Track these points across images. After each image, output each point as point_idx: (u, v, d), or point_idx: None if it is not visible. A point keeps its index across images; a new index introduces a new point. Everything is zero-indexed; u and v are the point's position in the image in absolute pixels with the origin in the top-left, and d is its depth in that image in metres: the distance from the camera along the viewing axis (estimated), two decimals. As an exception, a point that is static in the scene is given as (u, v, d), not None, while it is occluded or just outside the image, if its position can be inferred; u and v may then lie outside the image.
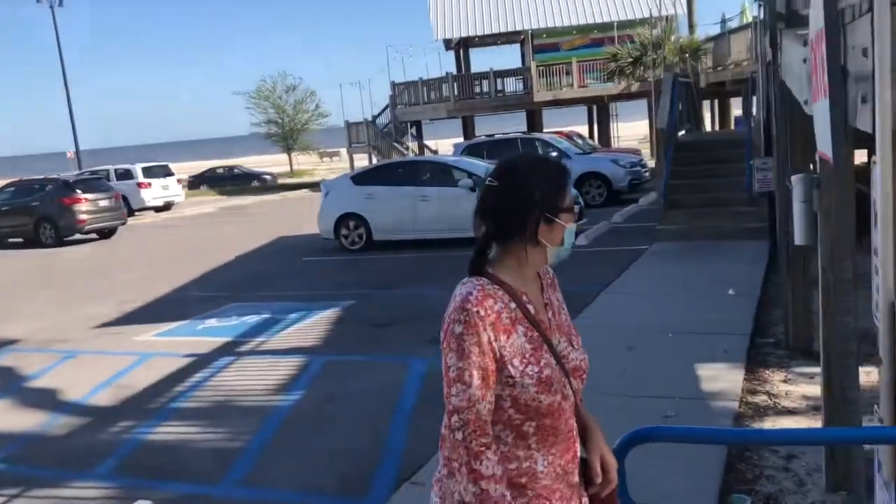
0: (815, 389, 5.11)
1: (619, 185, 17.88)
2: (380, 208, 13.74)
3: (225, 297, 10.71)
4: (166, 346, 8.29)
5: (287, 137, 44.59)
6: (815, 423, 4.75)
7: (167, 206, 27.27)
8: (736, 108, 28.80)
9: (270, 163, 52.46)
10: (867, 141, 2.53)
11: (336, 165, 53.17)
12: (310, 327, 8.61)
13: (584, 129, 35.57)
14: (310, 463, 4.90)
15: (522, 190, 1.91)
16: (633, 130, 42.27)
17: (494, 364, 1.83)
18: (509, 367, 1.84)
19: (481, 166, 13.88)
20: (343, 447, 5.10)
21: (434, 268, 11.56)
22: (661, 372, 5.88)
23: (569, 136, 21.57)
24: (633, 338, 6.82)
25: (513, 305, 1.89)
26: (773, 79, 5.94)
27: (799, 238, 3.90)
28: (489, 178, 1.98)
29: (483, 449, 1.79)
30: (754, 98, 12.63)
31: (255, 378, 6.92)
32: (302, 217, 21.63)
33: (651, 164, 23.12)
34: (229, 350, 7.91)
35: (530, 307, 1.93)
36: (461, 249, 12.55)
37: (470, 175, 13.27)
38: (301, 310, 9.47)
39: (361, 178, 14.36)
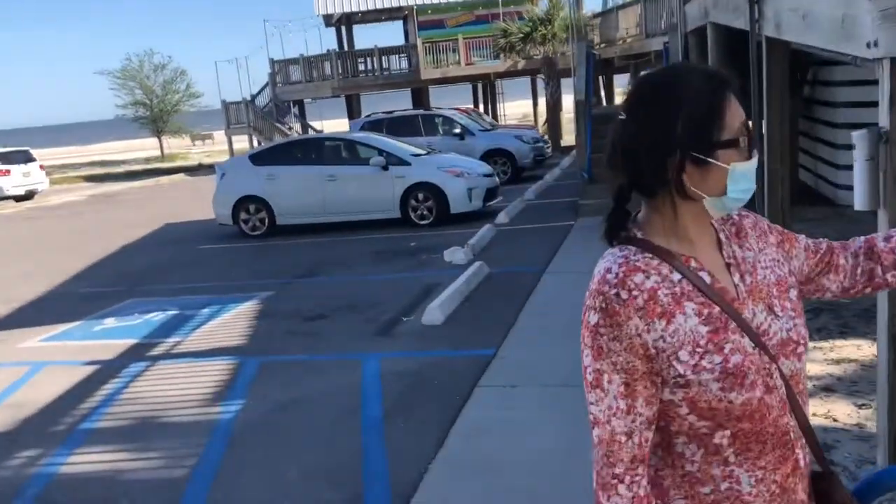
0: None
1: (523, 161, 17.55)
2: (283, 190, 12.74)
3: (119, 292, 9.50)
4: (60, 353, 7.13)
5: (156, 120, 41.89)
6: None
7: (30, 195, 24.81)
8: (619, 85, 29.29)
9: (138, 147, 49.33)
10: None
11: (210, 149, 50.62)
12: (229, 323, 7.65)
13: (469, 106, 35.32)
14: (280, 493, 4.09)
15: (657, 121, 1.34)
16: (517, 109, 42.43)
17: (647, 363, 1.31)
18: (674, 363, 1.31)
19: (391, 143, 13.12)
20: (313, 470, 4.31)
21: (353, 252, 10.76)
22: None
23: (468, 113, 21.06)
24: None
25: (676, 277, 1.34)
26: (752, 37, 5.58)
27: (861, 203, 3.46)
28: (620, 111, 1.42)
29: (614, 482, 1.32)
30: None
31: (180, 387, 5.95)
32: (184, 202, 20.15)
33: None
34: (139, 354, 6.86)
35: (703, 275, 1.36)
36: (378, 231, 11.89)
37: (381, 152, 12.50)
38: (213, 304, 8.47)
39: (261, 158, 13.27)
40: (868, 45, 3.30)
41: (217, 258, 11.53)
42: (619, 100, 28.19)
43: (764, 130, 5.67)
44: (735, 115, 1.34)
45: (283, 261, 10.74)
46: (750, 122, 1.37)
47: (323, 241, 11.96)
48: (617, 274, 1.32)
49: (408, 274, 9.08)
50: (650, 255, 1.35)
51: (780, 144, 5.66)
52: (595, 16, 25.69)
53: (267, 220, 12.83)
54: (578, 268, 8.36)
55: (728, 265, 1.40)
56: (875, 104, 3.33)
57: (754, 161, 1.35)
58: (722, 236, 1.43)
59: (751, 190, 1.35)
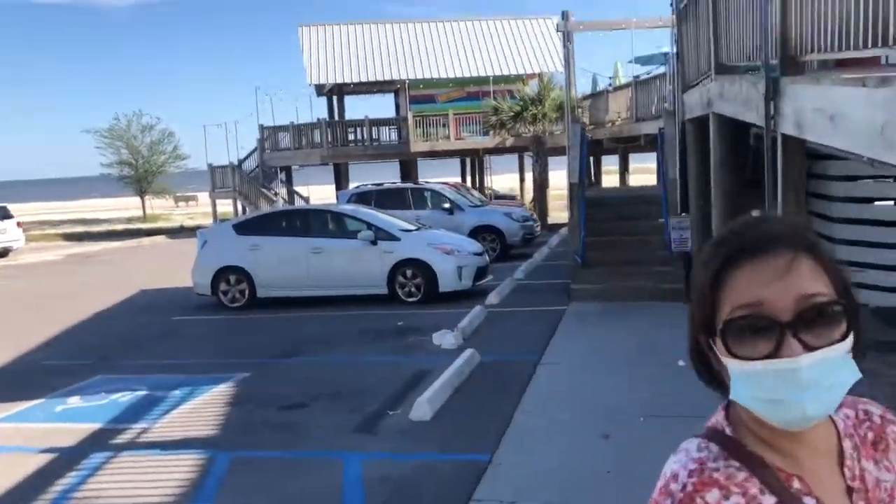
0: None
1: (512, 239, 17.31)
2: (266, 261, 12.34)
3: (87, 366, 8.96)
4: (15, 437, 6.57)
5: (141, 180, 41.63)
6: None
7: (4, 253, 24.21)
8: (606, 165, 29.46)
9: (121, 206, 48.88)
10: None
11: (194, 210, 50.29)
12: (201, 409, 7.13)
13: (458, 181, 35.37)
14: None
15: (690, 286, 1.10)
16: (503, 183, 42.59)
17: None
18: None
19: (381, 217, 12.83)
20: None
21: (337, 330, 10.30)
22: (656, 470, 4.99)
23: (457, 188, 20.92)
24: (601, 423, 5.93)
25: (768, 501, 0.97)
26: (767, 133, 5.36)
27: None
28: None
29: None
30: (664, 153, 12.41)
31: (143, 485, 5.41)
32: (163, 266, 19.66)
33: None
34: (102, 441, 6.33)
35: (809, 502, 0.99)
36: (363, 307, 11.41)
37: (370, 226, 12.18)
38: (185, 385, 7.94)
39: (245, 227, 12.91)
40: (921, 157, 3.03)
41: (193, 331, 11.02)
42: (607, 181, 28.32)
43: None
44: (743, 290, 0.99)
45: (262, 337, 10.25)
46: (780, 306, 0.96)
47: (305, 316, 11.51)
48: (685, 485, 0.99)
49: (395, 358, 8.64)
50: (736, 465, 0.99)
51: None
52: (585, 98, 25.95)
53: (247, 292, 12.38)
54: (574, 359, 7.98)
55: (850, 490, 1.03)
56: (870, 200, 3.10)
57: (785, 363, 0.95)
58: (847, 445, 1.06)
59: (798, 404, 0.94)
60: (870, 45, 3.68)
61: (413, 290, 11.88)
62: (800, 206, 5.37)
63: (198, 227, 33.17)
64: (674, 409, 6.22)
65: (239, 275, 12.41)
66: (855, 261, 10.46)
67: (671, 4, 13.31)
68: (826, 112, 4.12)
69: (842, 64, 6.09)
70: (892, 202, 10.40)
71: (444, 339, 8.84)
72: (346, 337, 9.83)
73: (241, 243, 12.48)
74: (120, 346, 10.13)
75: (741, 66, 7.02)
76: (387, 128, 30.68)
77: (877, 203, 10.91)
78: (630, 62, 26.74)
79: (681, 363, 7.48)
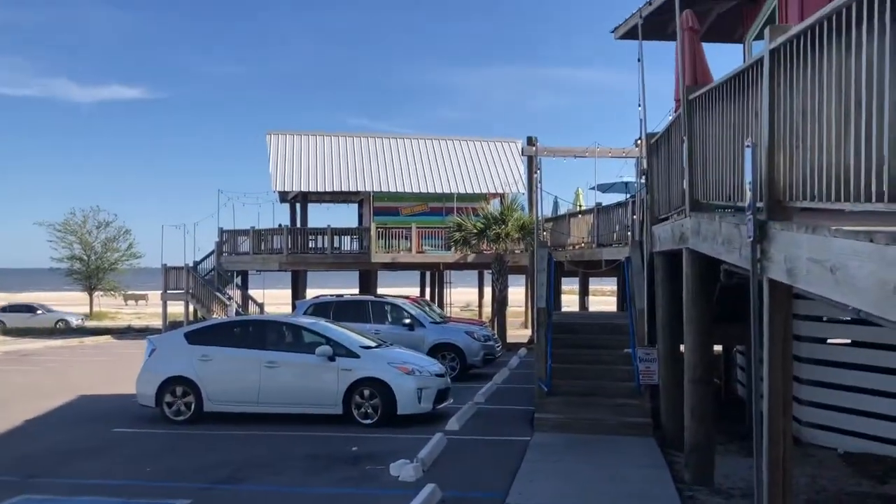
0: None
1: (472, 359, 16.94)
2: (216, 373, 11.75)
3: (10, 483, 8.17)
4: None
5: (91, 276, 40.60)
6: None
7: (-66, 346, 22.98)
8: (565, 286, 29.58)
9: (69, 300, 47.38)
10: None
11: (143, 310, 49.05)
12: (133, 542, 6.45)
13: (416, 292, 35.14)
14: None
15: None
16: (461, 296, 42.47)
17: None
18: None
19: (340, 332, 12.40)
20: None
21: (287, 452, 9.67)
22: None
23: (418, 302, 20.63)
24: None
25: None
26: (753, 277, 5.23)
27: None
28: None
29: None
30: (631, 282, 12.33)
31: None
32: (105, 370, 18.76)
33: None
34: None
35: None
36: (315, 427, 10.81)
37: (328, 341, 11.73)
38: (118, 511, 7.24)
39: (197, 336, 12.34)
40: (944, 324, 2.84)
41: (131, 447, 10.26)
42: (566, 301, 28.35)
43: (765, 378, 5.17)
44: None
45: (206, 457, 9.55)
46: None
47: (252, 434, 10.84)
48: None
49: (347, 489, 8.04)
50: None
51: (783, 396, 5.16)
52: (547, 220, 26.30)
53: (194, 405, 11.71)
54: (543, 500, 7.50)
55: None
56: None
57: None
58: None
59: None
60: (873, 200, 3.58)
61: (370, 411, 11.35)
62: (786, 353, 5.17)
63: (146, 329, 32.17)
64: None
65: (186, 386, 11.76)
66: (823, 403, 10.35)
67: (639, 136, 13.64)
68: (825, 264, 3.98)
69: (808, 210, 6.07)
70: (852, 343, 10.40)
71: (403, 470, 8.30)
72: (296, 462, 9.21)
73: (191, 353, 11.91)
74: (50, 461, 9.34)
75: (719, 204, 7.01)
76: (348, 237, 30.62)
77: (830, 342, 10.94)
78: (591, 188, 27.43)
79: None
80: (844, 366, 10.15)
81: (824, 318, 10.57)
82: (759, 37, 12.81)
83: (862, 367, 9.92)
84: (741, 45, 14.63)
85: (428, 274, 36.45)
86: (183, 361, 11.85)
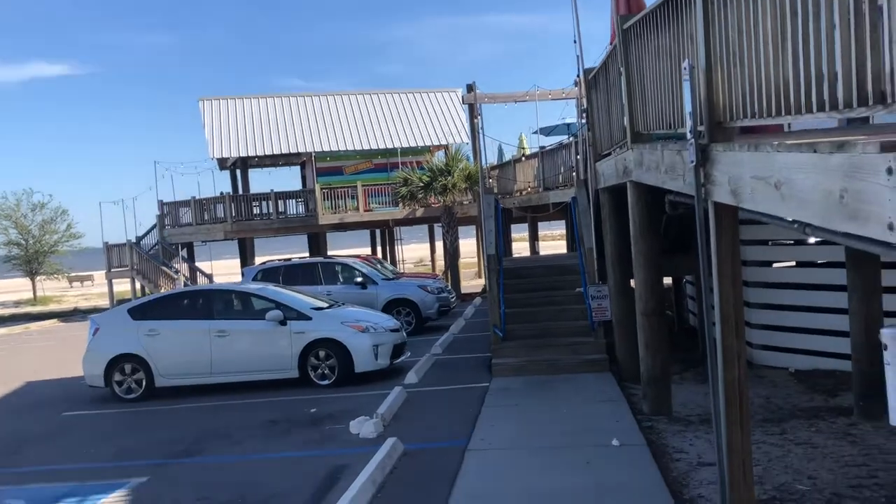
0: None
1: (427, 312, 16.86)
2: (165, 347, 11.44)
3: (-46, 479, 7.86)
4: None
5: (31, 261, 39.30)
6: None
7: None
8: (515, 233, 29.63)
9: (9, 288, 45.92)
10: None
11: (89, 291, 47.85)
12: (88, 525, 6.24)
13: (368, 252, 34.89)
14: None
15: None
16: (413, 253, 42.37)
17: None
18: None
19: (290, 295, 12.16)
20: None
21: (244, 421, 9.49)
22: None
23: (369, 260, 20.42)
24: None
25: None
26: (698, 201, 5.16)
27: (900, 417, 2.83)
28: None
29: None
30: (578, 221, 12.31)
31: None
32: (53, 354, 18.21)
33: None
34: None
35: None
36: (272, 393, 10.63)
37: (278, 305, 11.49)
38: (71, 495, 7.02)
39: (141, 311, 11.97)
40: (891, 228, 2.77)
41: (83, 429, 9.97)
42: (517, 248, 28.42)
43: (716, 302, 5.15)
44: None
45: (161, 433, 9.32)
46: None
47: (208, 405, 10.63)
48: None
49: (308, 452, 7.92)
50: None
51: (735, 317, 5.14)
52: (493, 168, 26.16)
53: (145, 382, 11.41)
54: (503, 443, 7.49)
55: None
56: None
57: None
58: None
59: None
60: (814, 111, 3.50)
61: (326, 371, 11.21)
62: (735, 275, 5.15)
63: (93, 310, 31.33)
64: (615, 498, 5.81)
65: (135, 363, 11.45)
66: (772, 324, 10.54)
67: (577, 75, 13.50)
68: (769, 180, 3.90)
69: (748, 131, 6.03)
70: (797, 264, 10.57)
71: (363, 427, 8.21)
72: (255, 429, 9.05)
73: (137, 329, 11.56)
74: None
75: (660, 133, 6.93)
76: (293, 201, 30.05)
77: (776, 265, 11.12)
78: (535, 133, 27.32)
79: (615, 442, 7.12)
80: (790, 287, 10.33)
81: (769, 242, 10.71)
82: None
83: (806, 286, 10.11)
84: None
85: (378, 232, 36.16)
86: (129, 338, 11.51)
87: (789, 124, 6.77)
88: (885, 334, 2.77)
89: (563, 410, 8.64)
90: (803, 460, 6.46)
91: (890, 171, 2.75)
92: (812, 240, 10.02)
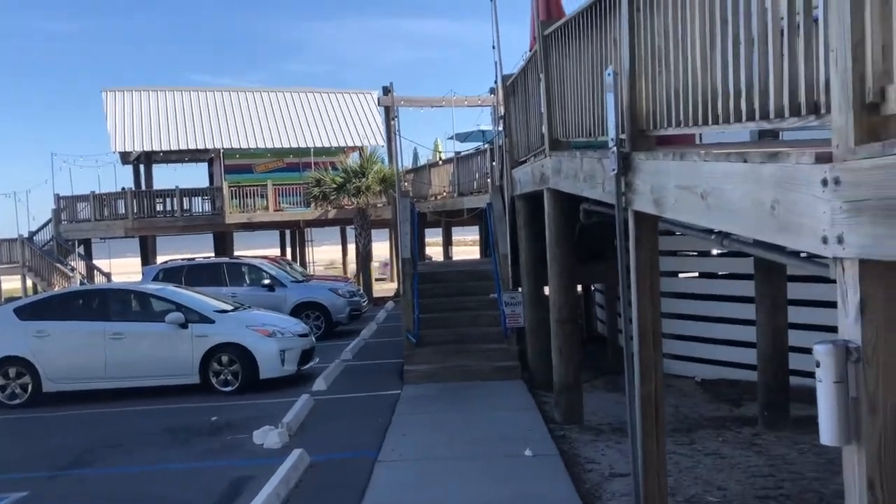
0: None
1: (338, 316, 16.47)
2: (55, 350, 10.72)
3: None
4: None
5: None
6: None
7: None
8: (429, 237, 29.54)
9: None
10: None
11: (-26, 288, 44.94)
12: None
13: (277, 253, 34.06)
14: None
15: None
16: (324, 255, 41.68)
17: None
18: None
19: (191, 297, 11.60)
20: None
21: (140, 429, 8.95)
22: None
23: (278, 262, 19.84)
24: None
25: None
26: (618, 210, 5.09)
27: (829, 436, 2.75)
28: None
29: None
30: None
31: None
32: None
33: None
34: None
35: None
36: (172, 399, 10.05)
37: (179, 307, 10.93)
38: (-61, 513, 6.39)
39: (29, 311, 11.19)
40: (825, 241, 2.69)
41: (-42, 438, 9.19)
42: (430, 253, 28.31)
43: (634, 314, 5.08)
44: None
45: (47, 442, 8.68)
46: None
47: (101, 412, 10.00)
48: None
49: (208, 463, 7.49)
50: None
51: (653, 330, 5.08)
52: (408, 171, 26.00)
53: (31, 387, 10.65)
54: (414, 454, 7.27)
55: None
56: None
57: None
58: None
59: None
60: (743, 120, 3.44)
61: (230, 378, 10.73)
62: (654, 288, 5.09)
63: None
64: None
65: (20, 367, 10.68)
66: (679, 334, 10.71)
67: (495, 81, 13.46)
68: (695, 190, 3.82)
69: (662, 141, 6.01)
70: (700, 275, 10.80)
71: (267, 437, 7.82)
72: (151, 438, 8.53)
73: (23, 329, 10.79)
74: None
75: (580, 141, 6.87)
76: (199, 198, 29.04)
77: (681, 275, 11.34)
78: (450, 138, 27.33)
79: (528, 453, 7.00)
80: (697, 297, 10.52)
81: (677, 253, 10.88)
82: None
83: (712, 297, 10.30)
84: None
85: (288, 233, 35.36)
86: (14, 340, 10.73)
87: (700, 135, 6.82)
88: (819, 350, 2.68)
89: (475, 419, 8.49)
90: (712, 471, 6.50)
91: (825, 182, 2.67)
92: (715, 251, 10.24)
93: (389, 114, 27.59)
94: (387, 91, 29.10)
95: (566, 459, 6.90)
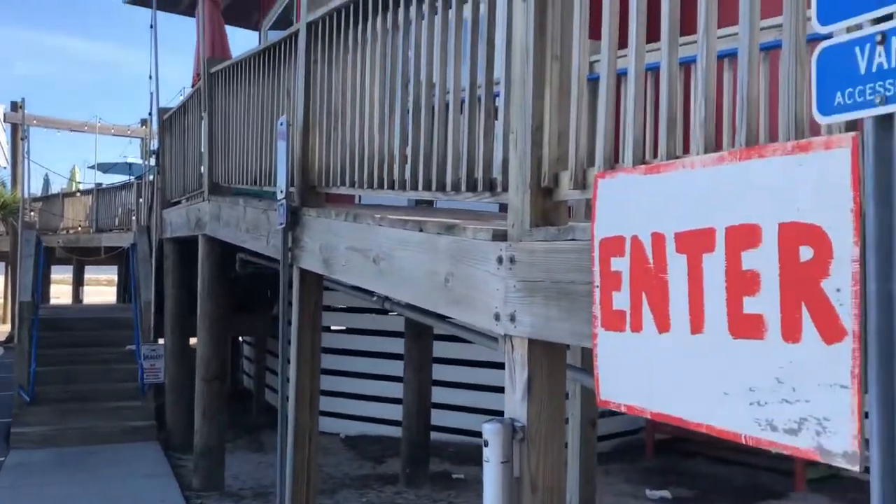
0: None
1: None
2: None
3: None
4: None
5: None
6: None
7: None
8: (57, 274, 26.30)
9: None
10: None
11: None
12: None
13: None
14: None
15: None
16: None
17: None
18: None
19: None
20: None
21: None
22: None
23: None
24: None
25: None
26: (284, 265, 4.79)
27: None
28: None
29: None
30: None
31: None
32: None
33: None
34: None
35: None
36: None
37: None
38: None
39: None
40: (497, 318, 2.71)
41: None
42: (58, 292, 25.13)
43: (292, 375, 4.81)
44: None
45: None
46: None
47: None
48: None
49: None
50: None
51: (311, 391, 4.86)
52: (36, 199, 23.01)
53: None
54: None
55: None
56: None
57: None
58: None
59: None
60: (419, 189, 3.43)
61: None
62: (315, 347, 4.89)
63: None
64: None
65: None
66: (325, 389, 10.62)
67: (149, 113, 12.51)
68: (368, 254, 3.72)
69: (331, 199, 5.96)
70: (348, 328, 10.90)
71: None
72: None
73: None
74: None
75: (244, 188, 6.51)
76: None
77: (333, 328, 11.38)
78: (91, 167, 24.81)
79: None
80: (343, 352, 10.53)
81: (330, 308, 10.87)
82: (276, 26, 12.74)
83: (358, 352, 10.38)
84: (257, 33, 14.49)
85: None
86: None
87: (359, 196, 6.90)
88: (487, 429, 2.65)
89: (98, 490, 7.45)
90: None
91: (500, 260, 2.69)
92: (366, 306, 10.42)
93: (17, 133, 24.22)
94: (16, 107, 25.58)
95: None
